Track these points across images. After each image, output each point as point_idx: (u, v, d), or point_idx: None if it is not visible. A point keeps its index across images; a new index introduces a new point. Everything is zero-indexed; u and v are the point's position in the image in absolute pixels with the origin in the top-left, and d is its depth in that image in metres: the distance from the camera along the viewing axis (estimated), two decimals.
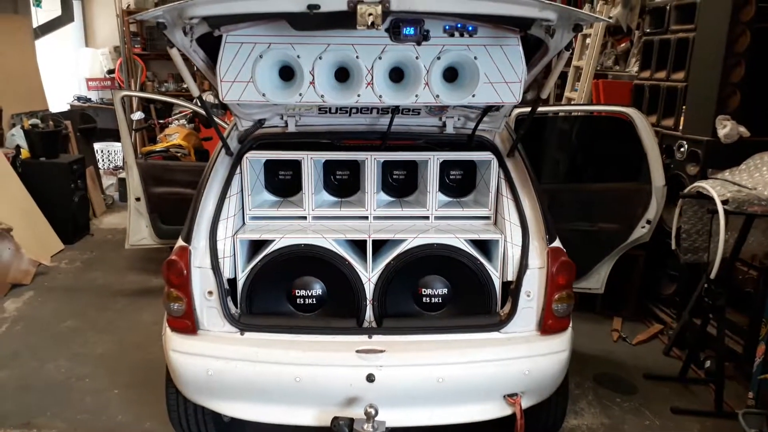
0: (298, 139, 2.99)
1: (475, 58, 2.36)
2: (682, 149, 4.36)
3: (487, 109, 2.79)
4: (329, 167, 3.14)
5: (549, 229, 2.77)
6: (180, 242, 2.73)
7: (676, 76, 4.59)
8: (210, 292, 2.69)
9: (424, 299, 2.87)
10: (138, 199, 4.92)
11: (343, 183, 3.18)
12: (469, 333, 2.71)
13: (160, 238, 4.97)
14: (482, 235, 2.83)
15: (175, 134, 6.13)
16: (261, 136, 2.95)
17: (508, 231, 2.81)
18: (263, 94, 2.42)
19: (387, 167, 3.13)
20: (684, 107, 4.46)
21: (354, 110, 2.88)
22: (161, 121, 6.77)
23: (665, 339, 4.44)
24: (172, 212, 4.81)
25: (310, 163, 2.89)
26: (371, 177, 2.91)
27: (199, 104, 2.76)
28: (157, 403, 3.11)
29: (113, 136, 7.85)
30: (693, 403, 3.67)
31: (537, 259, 2.74)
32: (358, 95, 2.40)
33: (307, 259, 2.78)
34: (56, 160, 6.20)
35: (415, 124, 2.97)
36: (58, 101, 8.65)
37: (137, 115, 6.66)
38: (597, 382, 3.86)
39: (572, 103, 6.23)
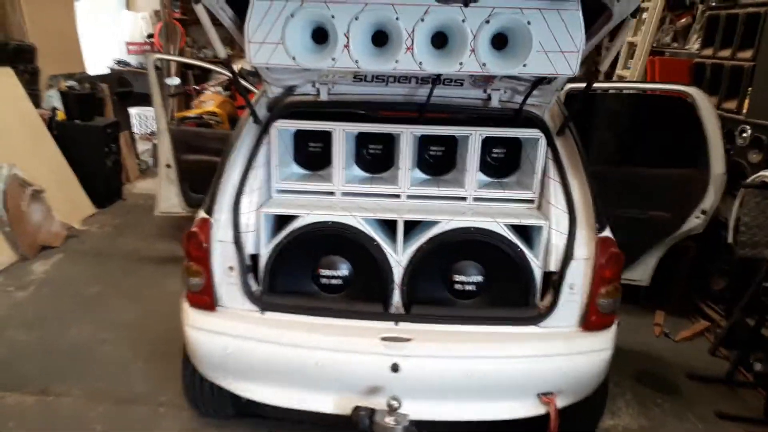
0: (330, 108, 2.79)
1: (529, 23, 2.11)
2: (744, 134, 4.03)
3: (538, 82, 2.55)
4: (362, 140, 2.94)
5: (599, 217, 2.53)
6: (201, 214, 2.59)
7: (743, 55, 4.23)
8: (231, 268, 2.56)
9: (456, 286, 2.67)
10: (168, 166, 4.83)
11: (375, 158, 2.98)
12: (504, 326, 2.51)
13: (190, 206, 4.87)
14: (524, 220, 2.61)
15: (210, 101, 6.02)
16: (291, 104, 2.77)
17: (554, 217, 2.58)
18: (293, 58, 2.23)
19: (424, 142, 2.91)
20: (750, 89, 4.11)
21: (391, 79, 2.67)
22: (196, 87, 6.65)
23: (711, 337, 4.16)
24: (203, 180, 4.67)
25: (342, 135, 2.70)
26: (407, 152, 2.71)
27: (227, 67, 2.58)
28: (175, 378, 3.01)
29: (150, 101, 7.80)
30: (740, 408, 3.41)
31: (584, 249, 2.51)
32: (397, 61, 2.19)
33: (333, 238, 2.62)
34: (91, 123, 6.15)
35: (457, 96, 2.74)
36: (98, 64, 8.62)
37: (173, 80, 6.55)
38: (636, 379, 3.62)
39: (625, 80, 5.87)
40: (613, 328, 2.59)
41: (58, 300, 4.32)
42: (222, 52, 2.46)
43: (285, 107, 2.74)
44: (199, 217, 2.58)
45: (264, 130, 2.71)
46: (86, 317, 4.06)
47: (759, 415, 3.31)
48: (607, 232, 2.52)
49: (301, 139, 2.94)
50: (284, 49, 2.21)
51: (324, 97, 2.77)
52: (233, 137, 2.74)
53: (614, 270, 2.50)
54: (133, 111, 8.50)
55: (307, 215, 2.59)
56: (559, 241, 2.55)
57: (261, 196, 2.68)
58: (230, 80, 6.37)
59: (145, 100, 8.26)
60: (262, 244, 2.63)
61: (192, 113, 5.83)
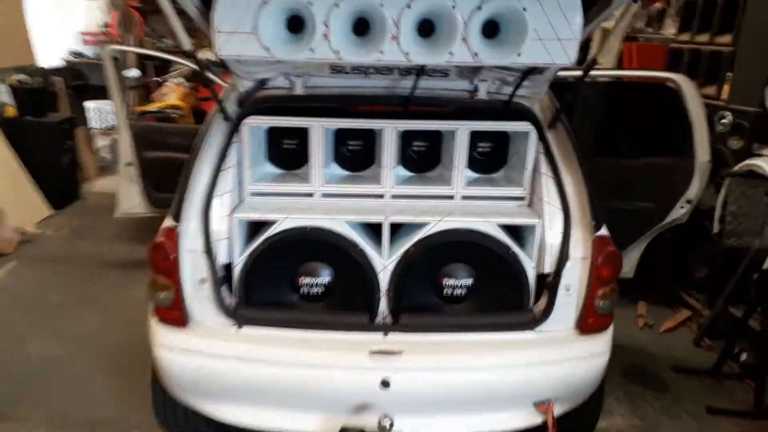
0: (305, 103, 2.58)
1: (524, 9, 1.94)
2: (724, 120, 3.96)
3: (529, 72, 2.39)
4: (341, 136, 2.74)
5: (596, 214, 2.39)
6: (168, 222, 2.36)
7: (722, 40, 4.16)
8: (202, 280, 2.34)
9: (446, 291, 2.51)
10: (129, 164, 4.54)
11: (356, 155, 2.79)
12: (499, 332, 2.37)
13: (154, 206, 4.60)
14: (516, 219, 2.46)
15: (171, 94, 5.72)
16: (263, 98, 2.55)
17: (547, 215, 2.43)
18: (267, 49, 2.02)
19: (407, 138, 2.73)
20: (730, 74, 4.04)
21: (372, 70, 2.47)
22: (157, 79, 6.32)
23: (693, 327, 4.12)
24: (167, 179, 4.42)
25: (320, 131, 2.50)
26: (390, 149, 2.53)
27: (194, 59, 2.35)
28: (144, 395, 2.78)
29: (108, 94, 7.41)
30: (729, 401, 3.35)
31: (580, 249, 2.37)
32: (381, 52, 1.99)
33: (313, 243, 2.42)
34: (44, 119, 5.80)
35: (442, 87, 2.56)
36: (51, 56, 8.16)
37: (132, 73, 6.22)
38: (624, 375, 3.54)
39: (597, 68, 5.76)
40: (610, 329, 2.47)
41: (11, 313, 4.02)
42: (187, 43, 2.23)
43: (257, 102, 2.53)
44: (164, 226, 2.35)
45: (234, 127, 2.49)
46: (43, 330, 3.78)
47: (749, 408, 3.26)
48: (604, 231, 2.39)
49: (274, 135, 2.73)
50: (257, 40, 2.00)
51: (299, 90, 2.56)
52: (200, 136, 2.51)
53: (612, 270, 2.37)
54: (90, 105, 8.08)
55: (284, 220, 2.39)
56: (553, 241, 2.41)
57: (233, 199, 2.47)
58: (193, 71, 6.07)
59: (102, 93, 7.86)
60: (235, 253, 2.42)
61: (153, 107, 5.53)
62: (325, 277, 2.50)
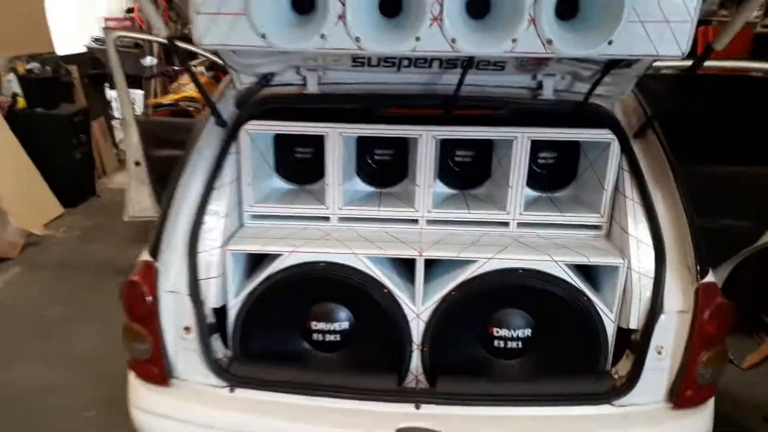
0: (321, 103, 2.05)
1: None
2: None
3: (612, 64, 1.80)
4: (365, 144, 2.21)
5: (700, 254, 1.81)
6: (144, 256, 1.87)
7: None
8: (187, 329, 1.86)
9: (496, 342, 1.97)
10: (138, 164, 4.09)
11: (383, 166, 2.25)
12: (566, 405, 1.81)
13: None
14: (594, 257, 1.89)
15: (189, 85, 5.25)
16: (267, 98, 2.03)
17: (633, 252, 1.86)
18: (263, 36, 1.49)
19: (448, 146, 2.18)
20: None
21: (405, 62, 1.92)
22: (176, 68, 5.88)
23: None
24: None
25: (339, 140, 1.98)
26: (426, 163, 1.99)
27: (172, 47, 1.85)
28: None
29: (132, 82, 7.04)
30: None
31: (678, 300, 1.80)
32: (417, 38, 1.45)
33: (328, 284, 1.92)
34: (55, 111, 5.41)
35: (496, 84, 1.99)
36: (73, 43, 7.82)
37: (148, 61, 5.78)
38: None
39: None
40: (711, 402, 1.89)
41: (6, 328, 3.63)
42: (163, 28, 1.72)
43: (259, 103, 2.01)
44: (140, 261, 1.87)
45: (231, 134, 1.98)
46: (36, 351, 3.38)
47: None
48: (710, 277, 1.81)
49: (283, 142, 2.21)
50: (249, 24, 1.48)
51: (313, 88, 2.02)
52: (188, 145, 2.00)
53: (722, 327, 1.80)
54: (113, 94, 7.73)
55: (291, 254, 1.88)
56: (641, 288, 1.84)
57: (228, 225, 1.97)
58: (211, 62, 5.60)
59: (129, 81, 7.50)
60: (230, 294, 1.93)
61: (167, 99, 5.08)
62: (342, 322, 1.99)
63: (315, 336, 2.00)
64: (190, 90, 5.14)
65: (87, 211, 5.52)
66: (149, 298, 1.82)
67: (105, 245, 4.83)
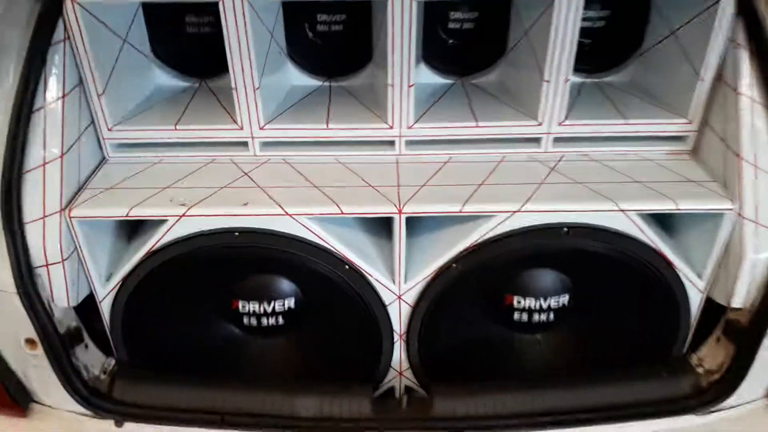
0: None
1: None
2: None
3: None
4: (298, 6, 1.34)
5: None
6: None
7: None
8: (31, 342, 1.15)
9: (516, 314, 1.31)
10: None
11: (332, 42, 1.40)
12: (628, 420, 1.21)
13: None
14: (684, 200, 1.15)
15: None
16: None
17: (748, 187, 1.13)
18: None
19: (436, 4, 1.32)
20: None
21: None
22: None
23: None
24: None
25: (245, 4, 1.12)
26: (402, 35, 1.15)
27: None
28: None
29: None
30: None
31: None
32: None
33: (253, 261, 1.19)
34: None
35: None
36: None
37: None
38: None
39: None
40: None
41: None
42: None
43: None
44: None
45: (50, 9, 1.10)
46: None
47: None
48: None
49: (164, 12, 1.33)
50: None
51: None
52: None
53: None
54: None
55: (178, 220, 1.12)
56: (758, 246, 1.14)
57: (70, 171, 1.16)
58: None
59: None
60: (95, 281, 1.19)
61: None
62: (286, 298, 1.29)
63: (246, 320, 1.31)
64: None
65: None
66: None
67: None
